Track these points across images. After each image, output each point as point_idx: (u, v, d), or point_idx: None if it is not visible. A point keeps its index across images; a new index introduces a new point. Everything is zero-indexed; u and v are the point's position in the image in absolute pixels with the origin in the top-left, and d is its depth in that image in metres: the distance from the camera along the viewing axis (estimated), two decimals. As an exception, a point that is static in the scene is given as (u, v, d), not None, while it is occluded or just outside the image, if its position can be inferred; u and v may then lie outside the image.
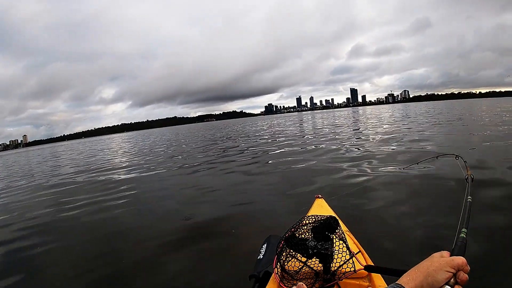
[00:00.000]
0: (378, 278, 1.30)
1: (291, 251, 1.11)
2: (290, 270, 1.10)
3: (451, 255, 0.66)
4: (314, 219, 1.16)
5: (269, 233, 1.54)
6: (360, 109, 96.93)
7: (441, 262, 0.62)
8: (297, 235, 1.12)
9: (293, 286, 0.92)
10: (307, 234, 1.12)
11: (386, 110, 49.81)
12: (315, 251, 1.07)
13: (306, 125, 24.24)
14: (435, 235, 2.54)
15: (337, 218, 1.40)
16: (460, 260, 0.62)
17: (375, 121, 19.53)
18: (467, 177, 1.48)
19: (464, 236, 0.85)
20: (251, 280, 1.08)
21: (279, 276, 1.13)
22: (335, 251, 1.12)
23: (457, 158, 1.97)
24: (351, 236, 1.73)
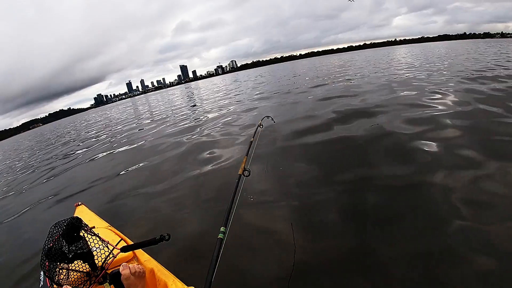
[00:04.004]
0: (142, 254, 1.50)
1: (56, 264, 1.12)
2: (62, 281, 1.11)
3: None
4: (59, 226, 1.17)
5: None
6: (193, 84, 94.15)
7: None
8: (52, 247, 1.12)
9: None
10: (60, 242, 1.13)
11: (218, 81, 51.47)
12: (72, 254, 1.12)
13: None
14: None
15: (98, 217, 1.88)
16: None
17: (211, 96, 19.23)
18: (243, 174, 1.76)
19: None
20: None
21: None
22: (93, 248, 1.18)
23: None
24: (113, 229, 1.91)
